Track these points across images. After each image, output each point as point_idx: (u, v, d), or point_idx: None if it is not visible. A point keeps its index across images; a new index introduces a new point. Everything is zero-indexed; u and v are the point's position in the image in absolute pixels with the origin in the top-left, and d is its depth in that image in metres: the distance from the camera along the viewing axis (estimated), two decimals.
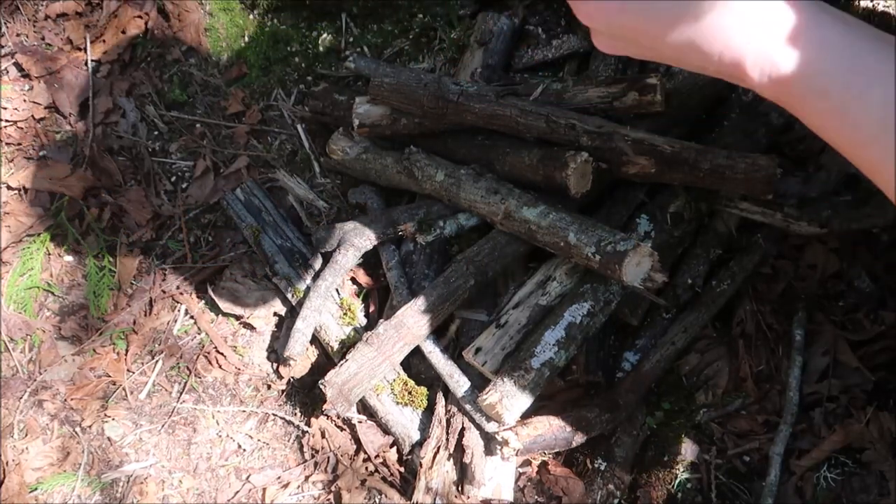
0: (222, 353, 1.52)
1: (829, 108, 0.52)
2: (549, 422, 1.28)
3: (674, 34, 0.54)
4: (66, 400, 1.51)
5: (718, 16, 0.52)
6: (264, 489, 1.43)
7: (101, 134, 1.71)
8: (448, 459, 1.32)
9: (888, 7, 1.46)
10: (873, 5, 1.47)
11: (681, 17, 0.53)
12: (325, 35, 1.72)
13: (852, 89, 0.51)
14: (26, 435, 1.49)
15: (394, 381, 1.39)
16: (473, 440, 1.30)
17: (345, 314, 1.47)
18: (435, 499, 1.29)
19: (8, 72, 1.75)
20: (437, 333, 1.38)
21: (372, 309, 1.51)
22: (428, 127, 1.44)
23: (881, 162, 0.51)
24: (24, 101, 1.73)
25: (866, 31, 0.52)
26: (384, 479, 1.39)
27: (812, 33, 0.52)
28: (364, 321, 1.49)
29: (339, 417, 1.44)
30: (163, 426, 1.50)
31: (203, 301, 1.57)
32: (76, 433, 1.49)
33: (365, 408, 1.43)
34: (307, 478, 1.43)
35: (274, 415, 1.49)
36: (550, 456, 1.39)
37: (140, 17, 1.76)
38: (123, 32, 1.75)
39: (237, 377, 1.52)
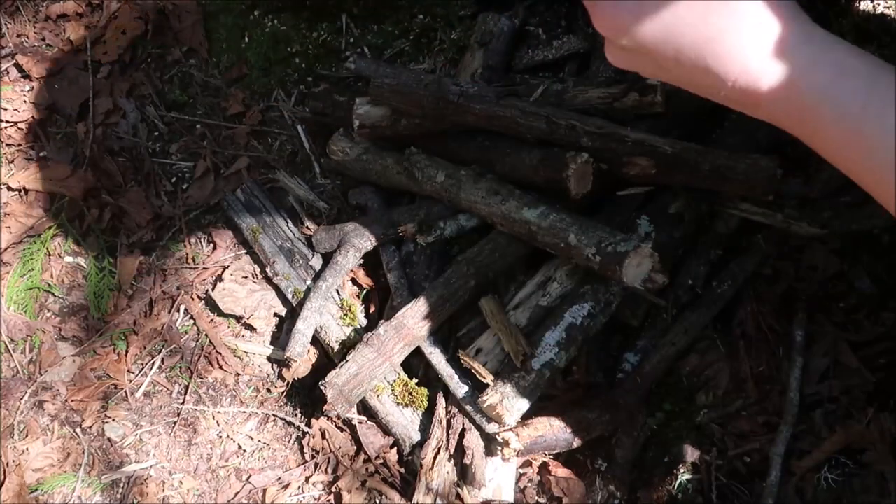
0: (222, 354, 1.52)
1: (842, 135, 0.52)
2: (549, 423, 1.28)
3: (691, 53, 0.54)
4: (66, 401, 1.51)
5: (740, 40, 0.52)
6: (264, 490, 1.43)
7: (102, 135, 1.71)
8: (448, 460, 1.32)
9: (888, 8, 1.46)
10: (873, 6, 1.47)
11: (702, 35, 0.53)
12: (325, 36, 1.73)
13: (868, 117, 0.51)
14: (27, 436, 1.49)
15: (394, 381, 1.39)
16: (474, 441, 1.30)
17: (345, 315, 1.47)
18: (435, 500, 1.29)
19: (8, 72, 1.75)
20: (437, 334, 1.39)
21: (372, 310, 1.51)
22: (428, 128, 1.44)
23: (891, 186, 0.51)
24: (25, 101, 1.73)
25: (872, 58, 0.52)
26: (384, 479, 1.39)
27: (828, 62, 0.52)
28: (364, 322, 1.49)
29: (339, 418, 1.44)
30: (163, 427, 1.50)
31: (203, 302, 1.57)
32: (76, 434, 1.49)
33: (365, 409, 1.43)
34: (307, 479, 1.43)
35: (274, 416, 1.49)
36: (551, 457, 1.39)
37: (140, 17, 1.76)
38: (124, 33, 1.75)
39: (237, 378, 1.52)
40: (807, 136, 0.55)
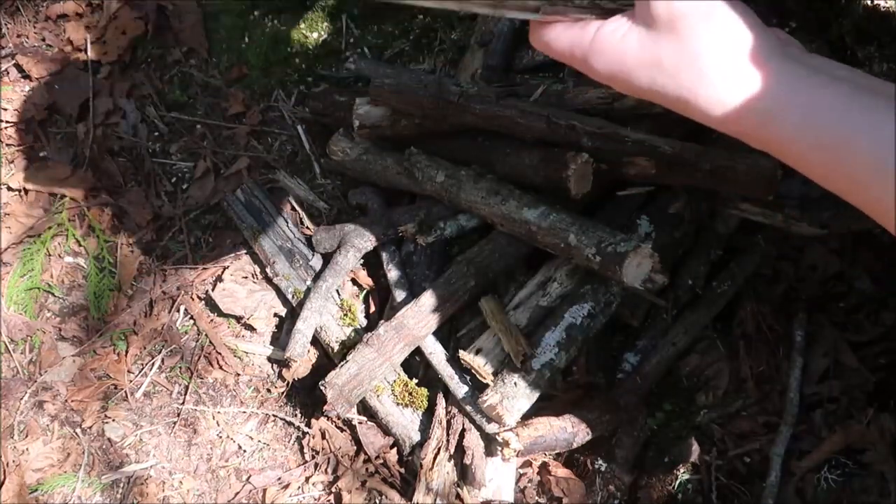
0: (222, 354, 1.52)
1: (821, 165, 0.58)
2: (549, 423, 1.28)
3: (673, 100, 0.62)
4: (66, 401, 1.51)
5: (715, 91, 0.59)
6: (264, 490, 1.43)
7: (102, 135, 1.71)
8: (448, 460, 1.32)
9: (889, 8, 1.46)
10: (874, 6, 1.47)
11: (681, 87, 0.61)
12: (325, 36, 1.73)
13: (842, 141, 0.56)
14: (26, 436, 1.49)
15: (394, 382, 1.39)
16: (474, 441, 1.30)
17: (345, 315, 1.47)
18: (435, 500, 1.29)
19: (8, 73, 1.75)
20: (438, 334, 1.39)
21: (372, 310, 1.51)
22: (428, 128, 1.44)
23: (879, 202, 0.55)
24: (25, 102, 1.73)
25: (846, 87, 0.57)
26: (384, 480, 1.39)
27: (797, 104, 0.57)
28: (364, 322, 1.49)
29: (339, 418, 1.44)
30: (163, 427, 1.50)
31: (203, 302, 1.57)
32: (76, 434, 1.49)
33: (365, 409, 1.43)
34: (307, 479, 1.43)
35: (274, 416, 1.50)
36: (551, 457, 1.39)
37: (140, 18, 1.76)
38: (124, 33, 1.75)
39: (237, 378, 1.52)
40: (784, 158, 0.60)
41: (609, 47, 0.64)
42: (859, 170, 0.55)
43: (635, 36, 0.62)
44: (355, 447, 1.43)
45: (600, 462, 1.35)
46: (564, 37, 0.68)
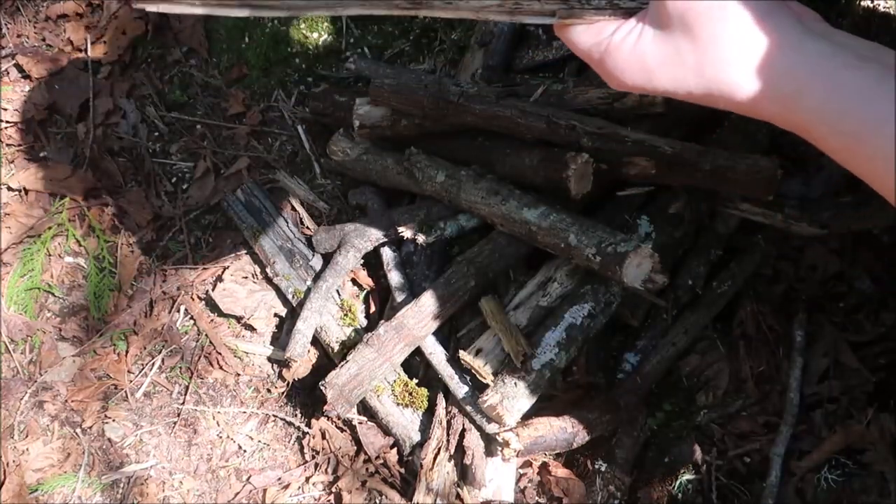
0: (222, 354, 1.52)
1: (842, 145, 0.57)
2: (549, 423, 1.28)
3: (699, 90, 0.62)
4: (66, 401, 1.51)
5: (738, 74, 0.59)
6: (265, 490, 1.43)
7: (102, 135, 1.71)
8: (449, 461, 1.32)
9: (889, 8, 1.46)
10: (874, 6, 1.47)
11: (704, 77, 0.61)
12: (325, 36, 1.73)
13: (867, 126, 0.54)
14: (27, 436, 1.49)
15: (394, 382, 1.39)
16: (474, 441, 1.30)
17: (345, 315, 1.47)
18: (435, 500, 1.29)
19: (8, 73, 1.75)
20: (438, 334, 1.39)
21: (372, 310, 1.51)
22: (428, 128, 1.44)
23: None
24: (25, 102, 1.73)
25: (869, 68, 0.55)
26: (385, 480, 1.39)
27: (819, 85, 0.56)
28: (365, 322, 1.49)
29: (339, 418, 1.44)
30: (163, 427, 1.50)
31: (203, 302, 1.57)
32: (77, 434, 1.49)
33: (365, 409, 1.43)
34: (308, 479, 1.43)
35: (274, 416, 1.50)
36: (551, 457, 1.39)
37: (140, 18, 1.76)
38: (124, 33, 1.75)
39: (237, 378, 1.52)
40: (811, 141, 0.59)
41: (626, 51, 0.64)
42: (883, 156, 0.53)
43: (651, 37, 0.62)
44: (355, 447, 1.43)
45: (600, 462, 1.35)
46: (583, 39, 0.68)
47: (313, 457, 1.45)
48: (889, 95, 0.52)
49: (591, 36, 0.66)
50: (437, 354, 1.36)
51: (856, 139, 0.55)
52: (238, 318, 1.54)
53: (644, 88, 0.65)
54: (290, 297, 1.50)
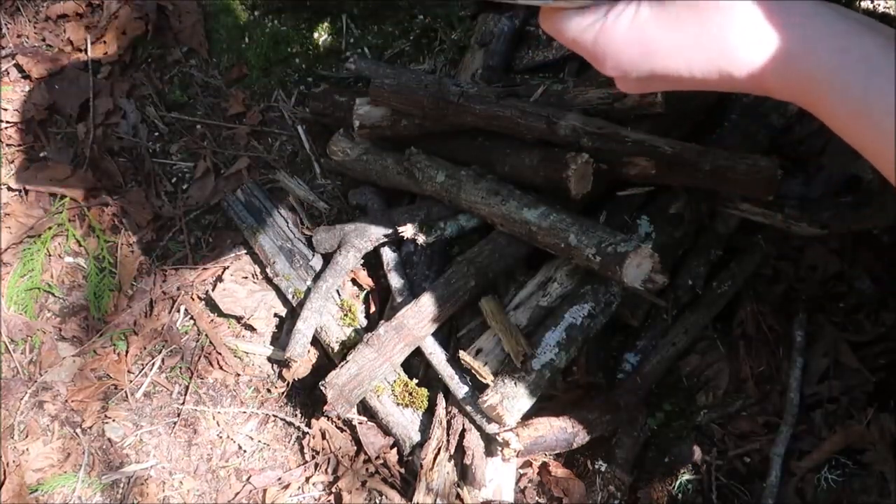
0: (222, 354, 1.52)
1: (846, 114, 0.55)
2: (549, 423, 1.28)
3: (701, 66, 0.58)
4: (66, 401, 1.51)
5: (742, 41, 0.56)
6: (265, 490, 1.43)
7: (102, 135, 1.71)
8: (449, 461, 1.32)
9: (888, 8, 1.46)
10: (874, 6, 1.47)
11: (706, 48, 0.57)
12: (325, 36, 1.73)
13: (871, 98, 0.53)
14: (27, 436, 1.49)
15: (394, 382, 1.39)
16: (474, 441, 1.30)
17: (345, 315, 1.47)
18: (435, 500, 1.29)
19: (9, 73, 1.75)
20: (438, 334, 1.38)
21: (372, 310, 1.51)
22: (428, 128, 1.44)
23: None
24: (25, 102, 1.73)
25: (877, 35, 0.54)
26: (385, 480, 1.39)
27: (825, 48, 0.54)
28: (364, 322, 1.49)
29: (339, 418, 1.44)
30: (163, 427, 1.50)
31: (203, 302, 1.57)
32: (77, 434, 1.49)
33: (365, 409, 1.43)
34: (308, 479, 1.43)
35: (274, 416, 1.50)
36: (551, 457, 1.39)
37: (140, 18, 1.76)
38: (124, 33, 1.75)
39: (237, 378, 1.52)
40: (813, 111, 0.57)
41: (622, 29, 0.60)
42: (878, 130, 0.52)
43: (648, 10, 0.59)
44: (355, 447, 1.43)
45: (600, 462, 1.35)
46: (573, 24, 0.63)
47: (313, 457, 1.45)
48: (891, 65, 0.52)
49: (582, 20, 0.62)
50: (437, 354, 1.36)
51: (862, 104, 0.53)
52: (238, 318, 1.54)
53: (641, 69, 0.61)
54: (290, 297, 1.50)
